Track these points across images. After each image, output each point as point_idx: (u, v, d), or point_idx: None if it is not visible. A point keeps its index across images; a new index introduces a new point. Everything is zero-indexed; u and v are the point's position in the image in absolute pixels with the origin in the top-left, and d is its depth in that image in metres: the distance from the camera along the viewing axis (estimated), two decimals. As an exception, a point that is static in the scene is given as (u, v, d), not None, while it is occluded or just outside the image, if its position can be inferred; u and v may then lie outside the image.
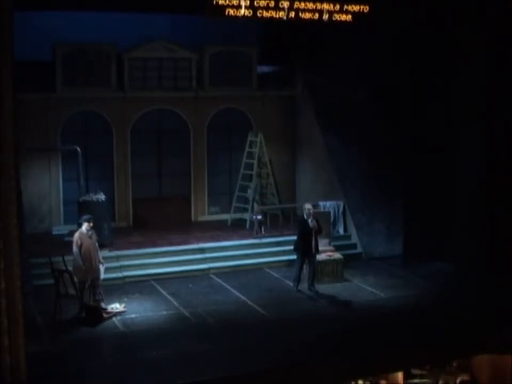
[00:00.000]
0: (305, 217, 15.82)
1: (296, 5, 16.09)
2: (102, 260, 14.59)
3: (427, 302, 15.05)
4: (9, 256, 10.29)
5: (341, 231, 19.11)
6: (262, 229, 18.67)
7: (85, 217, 14.61)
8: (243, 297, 15.32)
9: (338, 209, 19.01)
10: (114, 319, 13.94)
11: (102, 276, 14.55)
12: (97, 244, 14.55)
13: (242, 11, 15.73)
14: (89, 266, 14.22)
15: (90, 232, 14.37)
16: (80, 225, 14.53)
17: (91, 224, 14.37)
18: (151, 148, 20.27)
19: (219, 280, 16.50)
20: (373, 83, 19.35)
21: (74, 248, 14.20)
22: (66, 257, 14.41)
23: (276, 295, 15.59)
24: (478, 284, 15.71)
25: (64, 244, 16.63)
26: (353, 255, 18.22)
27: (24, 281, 11.10)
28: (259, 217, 18.70)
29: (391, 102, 18.64)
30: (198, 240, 18.24)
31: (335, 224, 18.89)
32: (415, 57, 17.41)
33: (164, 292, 15.62)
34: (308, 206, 16.00)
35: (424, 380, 14.32)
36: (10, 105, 10.24)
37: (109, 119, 19.72)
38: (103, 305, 14.26)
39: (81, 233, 14.30)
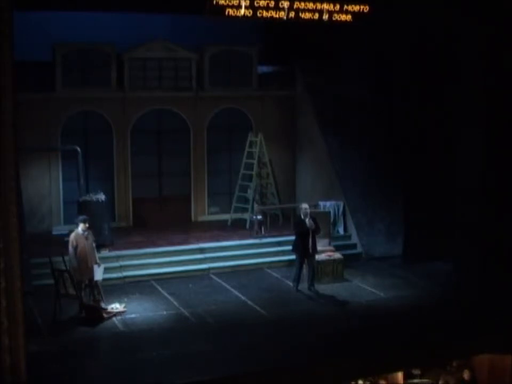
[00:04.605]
0: (302, 217, 15.83)
1: (296, 5, 16.12)
2: (98, 261, 14.59)
3: (427, 302, 15.04)
4: (9, 256, 10.29)
5: (341, 231, 19.10)
6: (262, 229, 18.66)
7: (80, 218, 14.62)
8: (243, 297, 15.32)
9: (338, 209, 19.01)
10: (114, 319, 13.94)
11: (100, 276, 14.51)
12: (94, 245, 14.57)
13: (242, 11, 15.75)
14: (85, 267, 14.22)
15: (86, 233, 14.36)
16: (80, 226, 14.56)
17: (87, 225, 14.37)
18: (151, 147, 20.26)
19: (219, 280, 16.50)
20: (372, 83, 19.36)
21: (70, 249, 14.22)
22: (66, 257, 14.41)
23: (276, 295, 15.58)
24: (478, 283, 15.70)
25: (64, 244, 16.61)
26: (353, 255, 18.21)
27: (24, 281, 11.08)
28: (259, 217, 18.70)
29: (391, 102, 18.65)
30: (198, 240, 18.23)
31: (335, 224, 18.89)
32: (415, 57, 17.41)
33: (164, 292, 15.62)
34: (304, 205, 16.02)
35: (424, 380, 14.32)
36: (10, 105, 10.24)
37: (109, 119, 19.72)
38: (103, 305, 14.26)
39: (76, 234, 14.31)
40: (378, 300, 15.24)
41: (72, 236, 14.33)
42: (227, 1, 15.59)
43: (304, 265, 15.87)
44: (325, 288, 15.91)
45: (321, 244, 16.59)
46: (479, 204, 16.42)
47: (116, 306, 14.36)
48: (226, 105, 20.80)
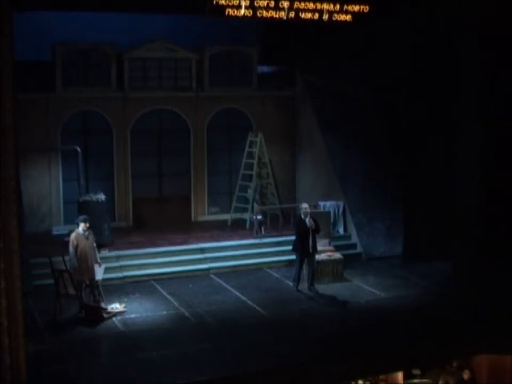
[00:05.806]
0: (302, 216, 15.84)
1: (296, 5, 16.11)
2: (99, 261, 14.60)
3: (427, 302, 15.05)
4: (9, 256, 10.29)
5: (341, 231, 19.10)
6: (262, 229, 18.67)
7: (81, 217, 14.63)
8: (243, 297, 15.32)
9: (338, 209, 19.01)
10: (114, 319, 13.95)
11: (100, 276, 14.54)
12: (94, 244, 14.57)
13: (242, 11, 15.75)
14: (85, 267, 14.23)
15: (87, 233, 14.38)
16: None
17: (87, 225, 14.38)
18: (151, 147, 20.26)
19: (219, 280, 16.50)
20: (372, 83, 19.36)
21: (70, 249, 14.24)
22: (66, 257, 14.43)
23: (276, 295, 15.58)
24: (478, 283, 15.70)
25: (64, 244, 16.60)
26: (353, 255, 18.22)
27: (24, 281, 11.08)
28: (259, 217, 18.71)
29: (390, 102, 18.65)
30: (198, 240, 18.24)
31: (335, 224, 18.89)
32: (415, 56, 17.40)
33: (164, 292, 15.62)
34: (304, 205, 16.04)
35: (424, 380, 14.32)
36: (10, 105, 10.23)
37: (109, 119, 19.72)
38: (103, 305, 14.27)
39: (77, 234, 14.32)
40: (378, 300, 15.25)
41: (73, 235, 14.35)
42: (227, 1, 15.59)
43: (304, 265, 15.88)
44: (325, 288, 15.91)
45: (321, 244, 16.60)
46: (478, 204, 16.42)
47: (116, 306, 14.36)
48: (226, 105, 20.80)
